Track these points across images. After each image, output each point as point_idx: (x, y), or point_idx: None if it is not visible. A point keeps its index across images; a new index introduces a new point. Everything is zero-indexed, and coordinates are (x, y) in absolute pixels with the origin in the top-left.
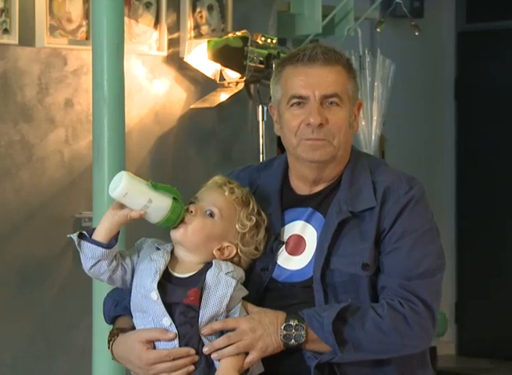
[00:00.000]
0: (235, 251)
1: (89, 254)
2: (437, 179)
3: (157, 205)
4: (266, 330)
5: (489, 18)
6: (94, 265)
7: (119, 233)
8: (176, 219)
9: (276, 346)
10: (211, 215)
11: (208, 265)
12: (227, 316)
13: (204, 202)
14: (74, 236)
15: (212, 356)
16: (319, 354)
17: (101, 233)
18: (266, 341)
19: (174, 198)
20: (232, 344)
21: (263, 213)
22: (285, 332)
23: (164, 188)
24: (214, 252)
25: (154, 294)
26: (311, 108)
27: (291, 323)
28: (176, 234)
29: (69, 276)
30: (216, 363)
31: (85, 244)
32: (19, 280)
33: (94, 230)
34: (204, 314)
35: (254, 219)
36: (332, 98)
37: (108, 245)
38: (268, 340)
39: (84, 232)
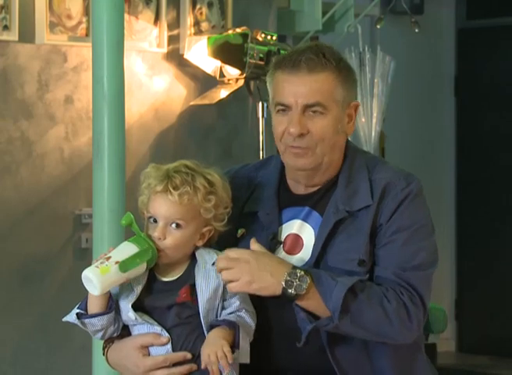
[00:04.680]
0: (213, 229)
1: (97, 327)
2: (437, 175)
3: (134, 272)
4: (272, 265)
5: (489, 14)
6: (104, 334)
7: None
8: (153, 257)
9: (271, 284)
10: (178, 226)
11: (192, 261)
12: (223, 307)
13: (164, 218)
14: (73, 319)
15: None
16: (313, 319)
17: (97, 304)
18: (264, 277)
19: (139, 248)
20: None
21: (210, 176)
22: (288, 278)
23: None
24: (197, 243)
25: (132, 315)
26: (292, 118)
27: (297, 271)
28: (163, 261)
29: (69, 272)
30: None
31: (89, 321)
32: (19, 276)
33: (84, 301)
34: (203, 309)
35: (211, 197)
36: (315, 107)
37: (110, 309)
38: (268, 276)
39: (79, 310)
